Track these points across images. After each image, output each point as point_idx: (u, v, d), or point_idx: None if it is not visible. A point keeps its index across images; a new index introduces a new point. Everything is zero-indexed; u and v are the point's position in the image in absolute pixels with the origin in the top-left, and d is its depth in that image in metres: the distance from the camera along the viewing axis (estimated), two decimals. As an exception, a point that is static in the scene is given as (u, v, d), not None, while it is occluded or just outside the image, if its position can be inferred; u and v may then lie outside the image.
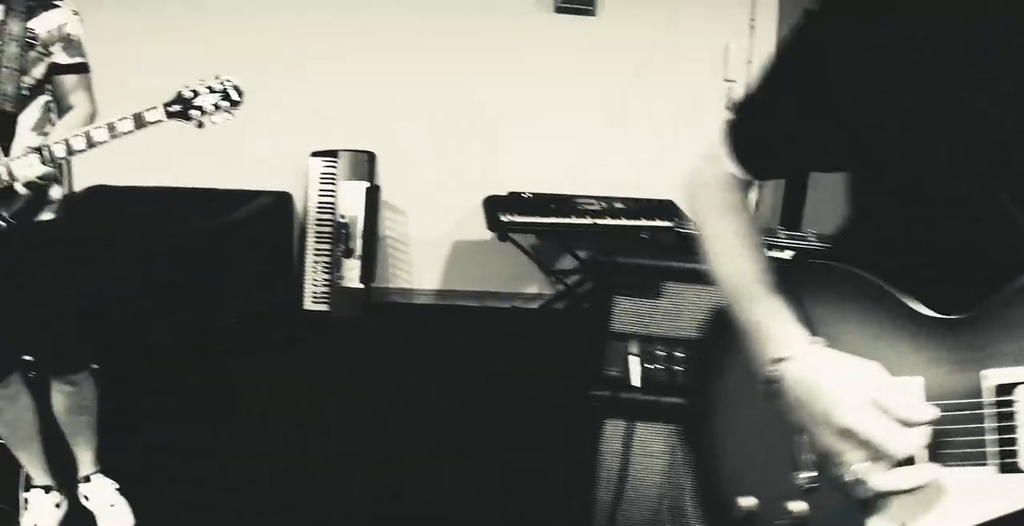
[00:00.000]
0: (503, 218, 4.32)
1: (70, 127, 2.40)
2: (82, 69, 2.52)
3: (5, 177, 2.24)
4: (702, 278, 2.47)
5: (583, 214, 4.44)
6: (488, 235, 4.99)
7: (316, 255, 4.95)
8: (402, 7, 4.92)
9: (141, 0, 4.80)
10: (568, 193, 4.73)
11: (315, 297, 4.95)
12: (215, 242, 4.59)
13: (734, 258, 1.27)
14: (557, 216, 4.39)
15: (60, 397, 2.72)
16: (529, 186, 4.82)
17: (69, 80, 2.48)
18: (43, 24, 2.37)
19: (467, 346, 4.59)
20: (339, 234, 4.87)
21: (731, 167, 1.31)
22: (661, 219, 4.44)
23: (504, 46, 4.98)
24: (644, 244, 2.84)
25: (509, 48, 4.97)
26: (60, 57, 2.44)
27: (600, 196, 4.70)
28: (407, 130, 5.03)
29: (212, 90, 2.23)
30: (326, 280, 4.93)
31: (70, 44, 2.46)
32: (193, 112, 2.23)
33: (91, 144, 2.23)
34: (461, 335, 4.79)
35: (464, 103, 5.01)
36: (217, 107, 2.24)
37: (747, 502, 1.23)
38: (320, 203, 4.97)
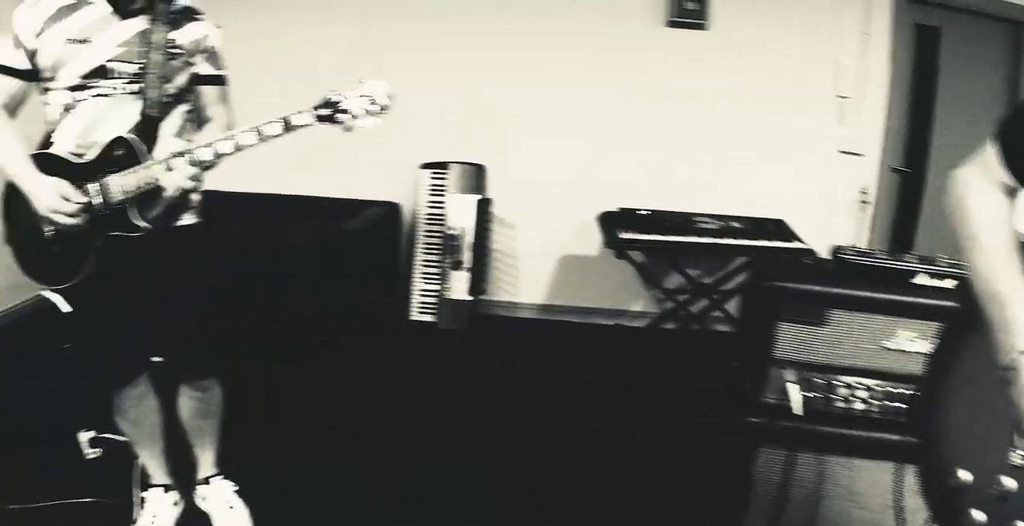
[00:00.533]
0: (622, 235, 4.25)
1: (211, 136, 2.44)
2: (221, 81, 2.57)
3: (149, 179, 2.28)
4: (868, 306, 2.44)
5: (701, 233, 4.35)
6: (595, 251, 4.98)
7: (424, 266, 4.94)
8: (515, 24, 4.92)
9: (248, 10, 4.85)
10: (684, 211, 4.66)
11: (422, 307, 4.93)
12: (325, 251, 4.60)
13: (998, 262, 1.38)
14: (675, 234, 4.31)
15: (188, 401, 2.77)
16: (638, 202, 4.78)
17: (209, 91, 2.54)
18: (186, 35, 2.43)
19: (569, 362, 4.51)
20: (448, 246, 4.85)
21: (1002, 173, 1.37)
22: (776, 240, 4.34)
23: (616, 61, 4.93)
24: (803, 268, 2.75)
25: (620, 63, 4.92)
26: (202, 68, 2.49)
27: (714, 214, 4.62)
28: (518, 143, 5.00)
29: (360, 93, 2.22)
30: (433, 291, 4.90)
31: (211, 56, 2.52)
32: (341, 116, 2.21)
33: (238, 148, 2.24)
34: (564, 351, 4.71)
35: (575, 118, 4.96)
36: (365, 111, 2.23)
37: (965, 475, 1.42)
38: (429, 215, 4.96)
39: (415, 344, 4.73)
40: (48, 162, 2.36)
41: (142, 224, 2.35)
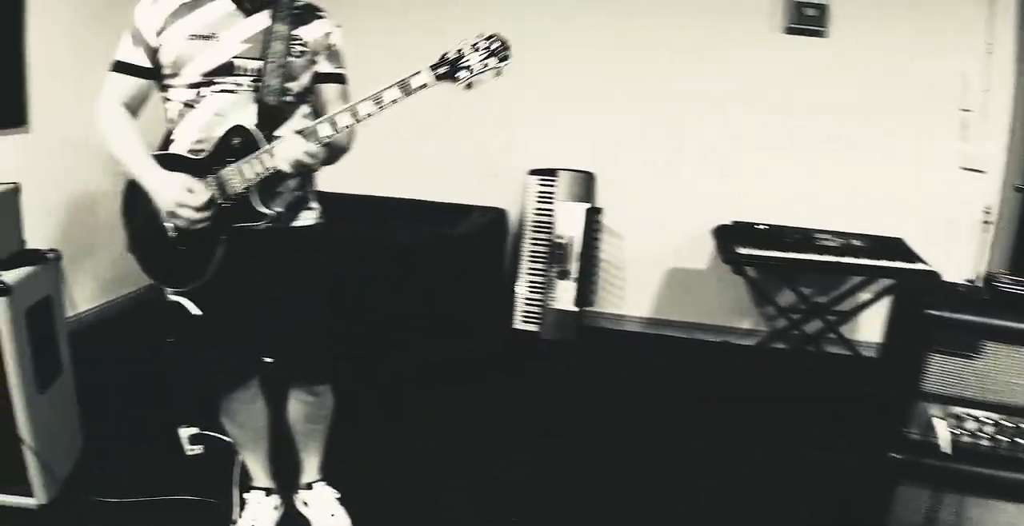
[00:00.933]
0: (740, 250, 4.09)
1: None
2: (342, 80, 2.53)
3: (270, 164, 2.24)
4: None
5: (821, 250, 4.16)
6: (704, 264, 4.84)
7: (530, 274, 4.84)
8: (628, 29, 4.80)
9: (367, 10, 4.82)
10: (801, 226, 4.49)
11: (525, 316, 4.83)
12: (431, 255, 4.54)
13: None
14: (795, 251, 4.12)
15: (299, 405, 2.73)
16: (750, 215, 4.64)
17: (330, 90, 2.49)
18: (309, 32, 2.39)
19: (674, 378, 4.39)
20: (555, 255, 4.75)
21: None
22: (899, 260, 4.13)
23: (731, 69, 4.76)
24: (955, 296, 2.57)
25: (736, 71, 4.76)
26: (324, 65, 2.45)
27: (834, 231, 4.42)
28: (629, 152, 4.89)
29: (477, 48, 2.11)
30: (538, 300, 4.80)
31: (333, 54, 2.47)
32: (461, 73, 2.12)
33: (357, 118, 2.18)
34: (669, 366, 4.58)
35: (687, 127, 4.82)
36: (485, 66, 2.12)
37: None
38: (536, 222, 4.86)
39: (517, 353, 4.66)
40: (168, 162, 2.33)
41: (266, 211, 2.31)
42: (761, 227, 4.42)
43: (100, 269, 4.81)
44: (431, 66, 2.12)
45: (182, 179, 2.26)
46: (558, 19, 4.84)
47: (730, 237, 4.34)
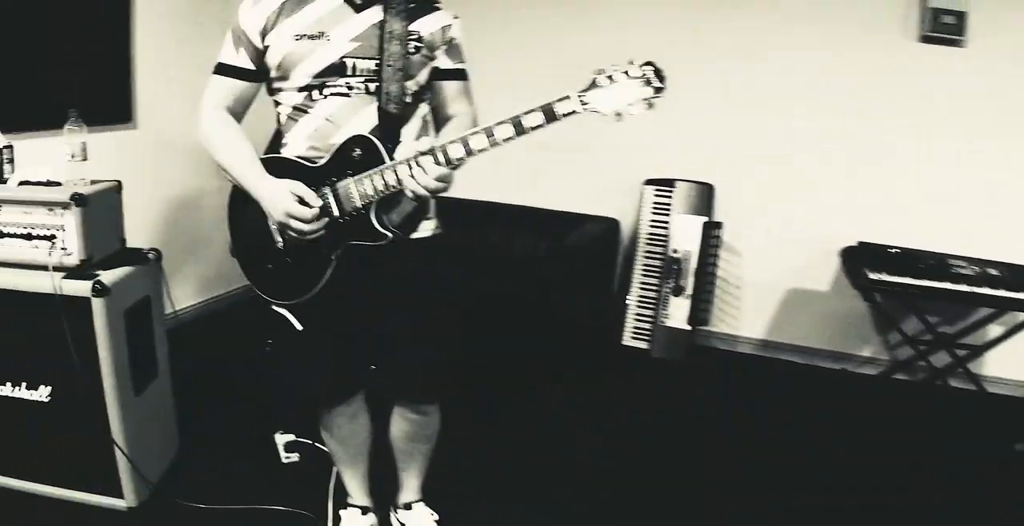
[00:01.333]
0: (872, 275, 3.85)
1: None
2: (463, 76, 2.39)
3: (393, 182, 2.10)
4: None
5: (956, 279, 3.87)
6: (825, 286, 4.62)
7: (642, 289, 4.67)
8: (751, 38, 4.58)
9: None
10: (934, 251, 4.22)
11: (636, 333, 4.66)
12: (540, 265, 4.44)
13: None
14: (929, 278, 3.84)
15: (404, 423, 2.62)
16: (876, 235, 4.38)
17: (451, 87, 2.36)
18: (426, 26, 2.24)
19: (788, 405, 4.17)
20: (669, 270, 4.57)
21: None
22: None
23: (860, 79, 4.47)
24: None
25: (866, 81, 4.47)
26: (443, 61, 2.32)
27: (969, 257, 4.12)
28: (750, 164, 4.67)
29: (630, 76, 1.91)
30: (649, 316, 4.63)
31: (452, 48, 2.33)
32: (612, 102, 1.93)
33: (493, 142, 2.00)
34: (782, 392, 4.36)
35: (812, 140, 4.55)
36: (640, 98, 1.93)
37: None
38: (650, 234, 4.69)
39: (624, 370, 4.50)
40: (279, 167, 2.23)
41: (385, 232, 2.17)
42: (893, 251, 4.16)
43: (202, 266, 4.83)
44: (580, 92, 1.93)
45: (294, 187, 2.15)
46: (681, 28, 4.66)
47: (860, 260, 4.10)
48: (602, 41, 4.67)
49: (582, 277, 4.51)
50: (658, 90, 1.92)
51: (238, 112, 2.31)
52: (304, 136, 2.23)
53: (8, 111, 3.41)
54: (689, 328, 4.54)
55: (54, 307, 2.56)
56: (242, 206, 2.31)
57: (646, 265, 4.68)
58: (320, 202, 2.15)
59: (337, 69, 2.16)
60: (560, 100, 1.93)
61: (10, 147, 2.84)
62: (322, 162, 2.19)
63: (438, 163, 2.03)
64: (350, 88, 2.18)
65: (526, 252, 4.46)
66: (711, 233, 4.52)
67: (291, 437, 3.26)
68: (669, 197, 4.66)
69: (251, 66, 2.23)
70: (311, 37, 2.15)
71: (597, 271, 4.72)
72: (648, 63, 1.92)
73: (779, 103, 4.58)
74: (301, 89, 2.20)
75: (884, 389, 4.41)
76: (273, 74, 2.22)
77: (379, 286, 2.31)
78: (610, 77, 1.92)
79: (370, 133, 2.15)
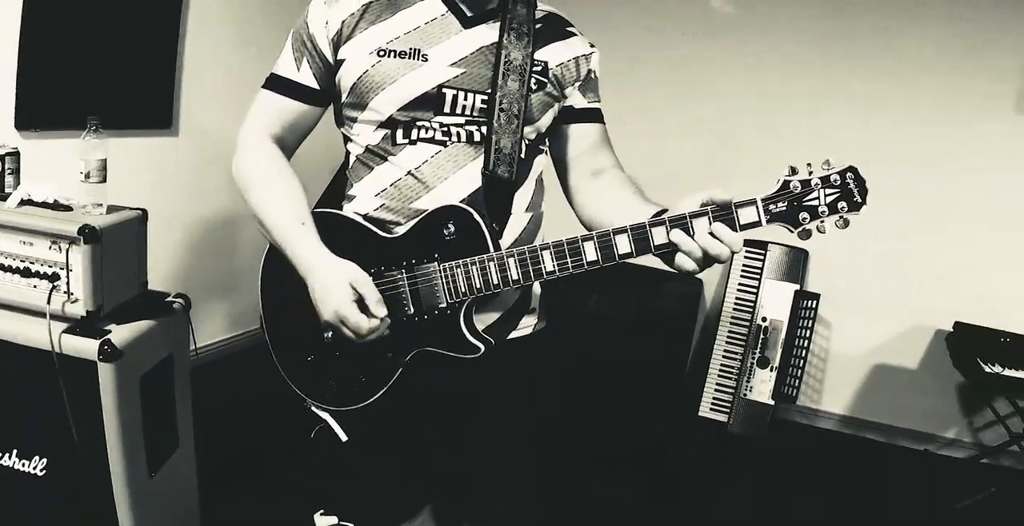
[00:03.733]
0: (987, 368, 3.57)
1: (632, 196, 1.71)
2: (601, 117, 1.85)
3: (497, 280, 1.58)
4: None
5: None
6: (913, 363, 4.35)
7: (725, 357, 4.38)
8: (853, 100, 4.31)
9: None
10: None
11: (714, 404, 4.37)
12: (616, 323, 4.16)
13: None
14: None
15: None
16: (978, 315, 4.06)
17: (591, 132, 1.82)
18: (556, 56, 1.74)
19: (869, 487, 3.91)
20: (756, 339, 4.28)
21: None
22: None
23: (969, 148, 4.19)
24: None
25: (974, 151, 4.19)
26: (577, 99, 1.80)
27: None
28: (848, 233, 4.33)
29: (828, 183, 1.45)
30: (730, 387, 4.34)
31: (588, 84, 1.81)
32: (802, 215, 1.46)
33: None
34: (863, 473, 4.09)
35: (913, 210, 4.24)
36: (832, 209, 1.46)
37: None
38: (738, 300, 4.40)
39: (700, 443, 4.22)
40: (336, 228, 1.69)
41: (477, 343, 1.63)
42: (1004, 339, 3.87)
43: (233, 297, 4.50)
44: (764, 199, 1.46)
45: (355, 279, 1.59)
46: (788, 78, 4.41)
47: (970, 348, 3.81)
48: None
49: (659, 340, 4.22)
50: (854, 207, 1.46)
51: (289, 144, 1.78)
52: (376, 190, 1.70)
53: (33, 105, 3.04)
54: (772, 403, 4.25)
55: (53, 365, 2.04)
56: (278, 271, 1.74)
57: (732, 332, 4.38)
58: (384, 312, 1.60)
59: (432, 102, 1.63)
60: (742, 206, 1.46)
61: (15, 154, 2.36)
62: (399, 232, 1.66)
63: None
64: (447, 134, 1.65)
65: (603, 313, 4.17)
66: (804, 303, 4.23)
67: (333, 520, 2.87)
68: (760, 260, 4.38)
69: (315, 85, 1.71)
70: (401, 55, 1.63)
71: (676, 334, 4.41)
72: (849, 167, 1.47)
73: (879, 171, 4.23)
74: (381, 125, 1.68)
75: (972, 474, 4.12)
76: (344, 99, 1.70)
77: (460, 398, 1.79)
78: (803, 182, 1.45)
79: (471, 204, 1.62)
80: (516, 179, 1.69)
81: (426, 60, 1.63)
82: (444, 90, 1.63)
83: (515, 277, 1.57)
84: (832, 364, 4.56)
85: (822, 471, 4.10)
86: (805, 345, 4.18)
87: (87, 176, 2.18)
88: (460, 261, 1.59)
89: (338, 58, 1.67)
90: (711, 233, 1.46)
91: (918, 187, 4.22)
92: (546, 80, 1.71)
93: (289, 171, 1.73)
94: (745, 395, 4.28)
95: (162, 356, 2.32)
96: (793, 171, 1.47)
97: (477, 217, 1.59)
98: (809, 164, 1.47)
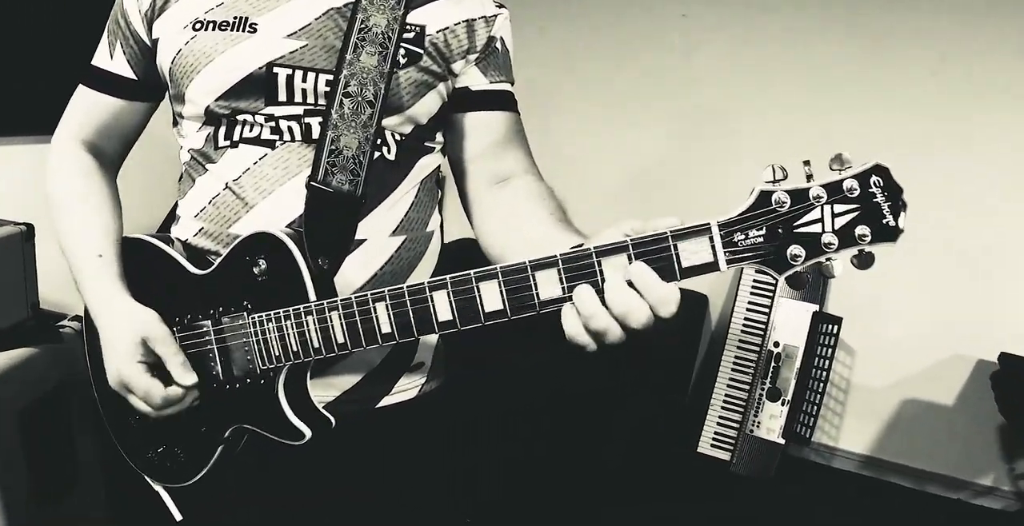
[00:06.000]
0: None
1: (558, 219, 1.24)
2: (513, 104, 1.40)
3: (318, 344, 1.14)
4: None
5: None
6: (948, 400, 3.86)
7: (730, 387, 3.84)
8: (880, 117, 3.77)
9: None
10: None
11: (716, 440, 3.83)
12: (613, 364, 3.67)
13: None
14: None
15: None
16: (1013, 346, 3.50)
17: (494, 123, 1.37)
18: (436, 17, 1.31)
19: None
20: (766, 367, 3.73)
21: None
22: None
23: (1011, 160, 3.67)
24: None
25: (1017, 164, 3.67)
26: (474, 78, 1.36)
27: None
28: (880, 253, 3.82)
29: (838, 193, 0.92)
30: (735, 421, 3.80)
31: (492, 57, 1.37)
32: (792, 249, 0.93)
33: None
34: (889, 524, 3.64)
35: (946, 230, 3.69)
36: (845, 238, 0.94)
37: None
38: (747, 321, 3.85)
39: (696, 484, 3.71)
40: (140, 260, 1.31)
41: (300, 427, 1.19)
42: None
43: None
44: (724, 225, 0.94)
45: (147, 331, 1.22)
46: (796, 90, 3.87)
47: (1020, 387, 3.28)
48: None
49: (655, 362, 3.73)
50: (888, 234, 0.95)
51: (108, 150, 1.43)
52: (196, 210, 1.34)
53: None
54: (782, 442, 3.70)
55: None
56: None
57: (739, 358, 3.84)
58: (192, 379, 1.22)
59: (259, 87, 1.25)
60: (684, 235, 0.95)
61: None
62: (209, 269, 1.27)
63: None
64: (276, 131, 1.26)
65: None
66: (825, 328, 3.69)
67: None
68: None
69: (130, 74, 1.37)
70: (222, 26, 1.25)
71: (674, 357, 3.93)
72: (877, 170, 0.94)
73: (909, 171, 3.74)
74: (204, 123, 1.32)
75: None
76: (170, 90, 1.36)
77: (318, 479, 1.38)
78: (800, 194, 0.92)
79: (293, 224, 1.24)
80: (368, 191, 1.25)
81: (254, 31, 1.25)
82: (276, 69, 1.24)
83: (340, 340, 1.09)
84: (854, 397, 4.04)
85: (838, 520, 3.64)
86: (823, 377, 3.68)
87: None
88: (272, 313, 1.17)
89: (153, 37, 1.32)
90: (629, 282, 0.90)
91: (961, 188, 3.70)
92: (421, 51, 1.29)
93: (99, 188, 1.38)
94: (752, 431, 3.74)
95: (48, 387, 2.09)
96: (779, 174, 0.92)
97: (294, 249, 1.15)
98: (806, 162, 0.92)
